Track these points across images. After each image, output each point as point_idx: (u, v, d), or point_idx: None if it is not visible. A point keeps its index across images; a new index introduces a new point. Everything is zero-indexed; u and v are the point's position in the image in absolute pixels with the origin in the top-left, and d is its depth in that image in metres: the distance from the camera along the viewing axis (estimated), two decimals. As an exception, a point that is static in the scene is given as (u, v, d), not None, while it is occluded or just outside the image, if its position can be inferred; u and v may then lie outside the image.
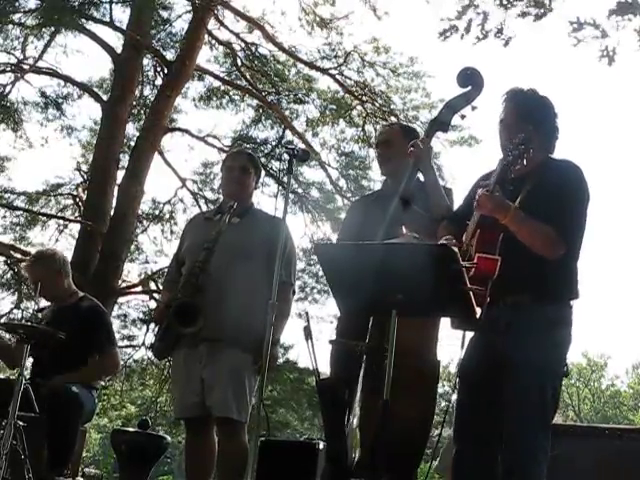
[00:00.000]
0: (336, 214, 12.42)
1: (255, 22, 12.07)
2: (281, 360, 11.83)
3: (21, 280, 11.52)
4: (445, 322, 3.00)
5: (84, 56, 12.80)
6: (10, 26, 11.53)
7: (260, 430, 3.30)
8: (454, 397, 2.90)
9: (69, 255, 10.10)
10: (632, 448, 3.67)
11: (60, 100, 12.66)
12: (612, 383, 35.40)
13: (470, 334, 2.84)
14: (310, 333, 3.22)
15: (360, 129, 12.52)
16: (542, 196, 2.72)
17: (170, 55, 11.96)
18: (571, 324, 2.80)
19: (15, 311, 12.24)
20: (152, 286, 11.91)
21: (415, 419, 3.04)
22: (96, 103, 11.94)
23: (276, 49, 12.31)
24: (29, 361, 4.24)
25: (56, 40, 12.08)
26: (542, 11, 6.04)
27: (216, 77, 12.66)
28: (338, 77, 12.29)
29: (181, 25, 12.27)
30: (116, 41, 11.87)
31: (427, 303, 2.52)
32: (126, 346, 12.78)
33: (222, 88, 12.93)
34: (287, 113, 12.62)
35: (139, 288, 11.93)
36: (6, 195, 12.61)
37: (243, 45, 12.40)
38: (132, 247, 12.27)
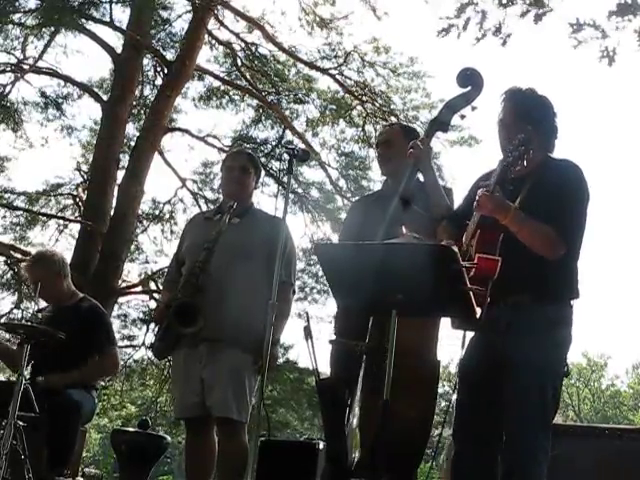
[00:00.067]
0: (336, 214, 12.43)
1: (255, 22, 12.07)
2: (281, 360, 11.83)
3: (21, 280, 11.52)
4: (445, 322, 3.00)
5: (84, 56, 12.83)
6: (10, 26, 11.54)
7: (260, 430, 3.30)
8: (454, 397, 2.89)
9: (69, 255, 10.12)
10: (632, 448, 3.67)
11: (60, 100, 12.67)
12: (612, 383, 35.45)
13: (470, 334, 2.84)
14: (310, 333, 3.22)
15: (360, 129, 12.52)
16: (542, 196, 2.72)
17: (170, 55, 11.98)
18: (571, 324, 2.80)
19: (15, 311, 12.25)
20: (152, 286, 11.91)
21: (415, 419, 3.04)
22: (96, 103, 11.96)
23: (276, 49, 12.32)
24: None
25: (56, 40, 12.10)
26: (542, 11, 6.04)
27: (216, 77, 12.66)
28: (338, 77, 12.30)
29: (181, 25, 12.30)
30: (116, 41, 11.91)
31: (427, 303, 2.52)
32: (126, 346, 12.80)
33: (222, 88, 12.94)
34: (287, 113, 12.63)
35: (139, 288, 11.93)
36: (6, 195, 12.63)
37: (243, 45, 12.41)
38: (132, 247, 12.28)
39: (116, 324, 12.56)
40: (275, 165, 12.19)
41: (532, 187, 2.77)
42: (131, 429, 6.83)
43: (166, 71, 11.60)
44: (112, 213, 10.76)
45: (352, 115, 12.55)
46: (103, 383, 11.09)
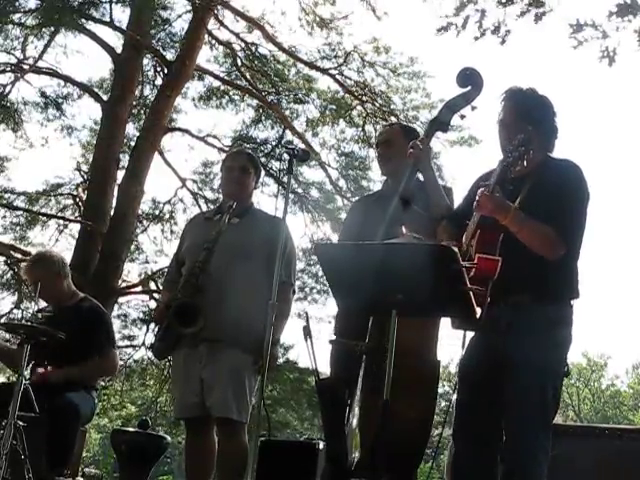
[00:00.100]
0: (336, 214, 12.43)
1: (255, 22, 12.07)
2: (281, 360, 11.83)
3: (21, 280, 11.52)
4: (445, 322, 3.00)
5: (84, 56, 12.84)
6: (10, 26, 11.54)
7: (260, 430, 3.30)
8: (454, 397, 2.89)
9: (69, 255, 10.13)
10: (632, 448, 3.67)
11: (60, 100, 12.67)
12: (612, 383, 35.45)
13: (470, 334, 2.84)
14: (309, 333, 3.22)
15: (360, 129, 12.52)
16: (542, 196, 2.72)
17: (170, 55, 11.99)
18: (572, 324, 2.80)
19: (15, 311, 12.25)
20: (152, 286, 11.91)
21: (415, 419, 3.04)
22: (96, 103, 11.96)
23: (276, 49, 12.32)
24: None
25: (56, 40, 12.10)
26: (542, 11, 6.04)
27: (216, 77, 12.67)
28: (338, 77, 12.30)
29: (181, 25, 12.30)
30: (116, 41, 11.91)
31: (427, 303, 2.52)
32: (126, 346, 12.80)
33: (222, 88, 12.94)
34: (287, 113, 12.63)
35: (139, 288, 11.93)
36: (6, 195, 12.62)
37: (243, 45, 12.41)
38: (132, 247, 12.28)
39: (116, 324, 12.57)
40: (275, 165, 12.20)
41: (532, 187, 2.77)
42: (131, 429, 6.82)
43: (166, 71, 11.60)
44: (112, 213, 10.76)
45: (352, 115, 12.55)
46: (103, 383, 11.10)
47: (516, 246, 2.66)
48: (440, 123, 3.27)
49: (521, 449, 2.65)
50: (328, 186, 12.83)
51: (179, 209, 13.11)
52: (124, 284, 11.33)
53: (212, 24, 11.91)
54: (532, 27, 6.11)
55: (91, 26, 11.62)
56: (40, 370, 4.07)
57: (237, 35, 12.32)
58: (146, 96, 12.48)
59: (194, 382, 3.64)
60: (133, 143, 11.77)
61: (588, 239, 2.79)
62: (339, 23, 12.23)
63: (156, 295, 11.20)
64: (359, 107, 12.42)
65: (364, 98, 12.23)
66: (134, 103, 12.00)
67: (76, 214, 12.62)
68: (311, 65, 12.44)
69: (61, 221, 12.94)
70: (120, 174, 11.14)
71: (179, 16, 12.25)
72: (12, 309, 12.34)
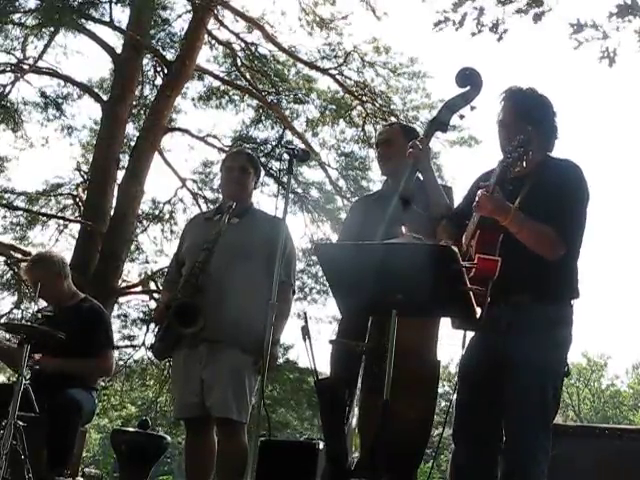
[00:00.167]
0: (336, 214, 12.42)
1: (255, 22, 12.07)
2: (281, 360, 11.83)
3: (21, 280, 11.52)
4: (445, 322, 3.00)
5: (84, 56, 12.84)
6: (10, 26, 11.54)
7: (260, 430, 3.30)
8: (454, 397, 2.89)
9: (69, 255, 10.12)
10: (632, 448, 3.67)
11: (60, 100, 12.68)
12: (612, 383, 35.45)
13: (470, 334, 2.84)
14: (308, 333, 3.22)
15: (360, 129, 12.52)
16: (542, 196, 2.72)
17: (170, 55, 11.99)
18: (572, 324, 2.80)
19: (15, 311, 12.26)
20: (152, 286, 11.91)
21: (415, 419, 3.04)
22: (96, 103, 11.96)
23: (276, 49, 12.31)
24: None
25: (56, 40, 12.11)
26: (541, 10, 6.05)
27: (216, 77, 12.67)
28: (338, 77, 12.29)
29: (181, 25, 12.30)
30: (116, 41, 11.91)
31: (427, 303, 2.52)
32: (126, 346, 12.80)
33: (222, 88, 12.94)
34: (287, 113, 12.63)
35: (139, 288, 11.93)
36: (6, 195, 12.63)
37: (243, 45, 12.41)
38: (132, 247, 12.28)
39: (116, 324, 12.57)
40: (275, 165, 12.20)
41: (532, 187, 2.77)
42: (131, 429, 6.82)
43: (166, 71, 11.60)
44: (112, 213, 10.76)
45: (352, 115, 12.55)
46: (103, 383, 11.09)
47: (516, 246, 2.66)
48: (439, 123, 3.27)
49: (521, 449, 2.65)
50: (328, 186, 12.84)
51: (179, 209, 13.14)
52: (124, 284, 11.33)
53: (212, 24, 11.93)
54: (532, 26, 6.12)
55: (91, 26, 11.64)
56: (36, 355, 4.06)
57: (237, 35, 12.33)
58: (146, 96, 12.50)
59: (194, 382, 3.63)
60: (133, 143, 11.77)
61: (588, 239, 2.80)
62: (339, 23, 12.25)
63: (156, 295, 11.20)
64: (359, 107, 12.42)
65: (364, 98, 12.23)
66: (134, 103, 12.00)
67: (76, 214, 12.62)
68: (311, 65, 12.44)
69: (61, 221, 12.94)
70: (120, 174, 11.17)
71: (179, 16, 12.27)
72: (12, 309, 12.36)
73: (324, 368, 3.67)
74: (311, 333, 3.28)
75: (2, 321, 10.70)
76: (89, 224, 10.52)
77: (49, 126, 12.91)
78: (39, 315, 4.22)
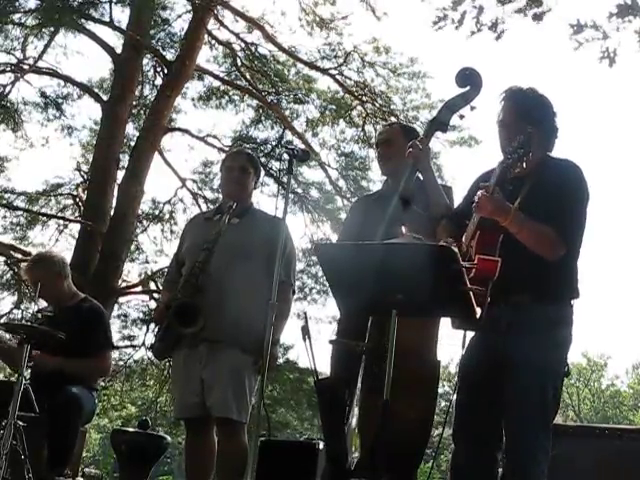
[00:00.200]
0: (336, 214, 12.42)
1: (255, 22, 12.06)
2: (281, 360, 11.83)
3: (21, 280, 11.52)
4: (445, 322, 3.00)
5: (84, 56, 12.85)
6: (10, 26, 11.54)
7: (260, 430, 3.30)
8: (454, 397, 2.89)
9: (69, 255, 10.12)
10: (632, 448, 3.67)
11: (60, 100, 12.68)
12: (612, 383, 35.44)
13: (470, 334, 2.84)
14: (308, 332, 3.22)
15: (360, 129, 12.52)
16: (542, 195, 2.72)
17: (170, 55, 11.98)
18: (572, 324, 2.80)
19: (15, 311, 12.25)
20: (152, 286, 11.91)
21: (415, 419, 3.04)
22: (96, 103, 11.96)
23: (276, 49, 12.31)
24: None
25: (56, 40, 12.12)
26: (540, 10, 6.05)
27: (216, 77, 12.66)
28: (338, 77, 12.29)
29: (181, 25, 12.30)
30: (116, 41, 11.92)
31: (427, 303, 2.52)
32: (126, 346, 12.80)
33: (222, 88, 12.94)
34: (287, 113, 12.63)
35: (139, 288, 11.93)
36: (6, 195, 12.63)
37: (243, 45, 12.41)
38: (132, 247, 12.28)
39: (116, 324, 12.58)
40: (275, 165, 12.20)
41: (532, 187, 2.77)
42: (131, 429, 6.82)
43: (166, 71, 11.60)
44: (112, 213, 10.76)
45: (352, 115, 12.54)
46: (103, 384, 11.10)
47: (516, 247, 2.66)
48: (439, 123, 3.27)
49: (521, 449, 2.65)
50: (328, 186, 12.84)
51: (179, 209, 13.14)
52: (124, 284, 11.33)
53: (212, 24, 11.93)
54: (532, 27, 6.12)
55: (91, 26, 11.64)
56: (34, 352, 4.06)
57: (237, 35, 12.33)
58: (146, 96, 12.50)
59: (194, 382, 3.63)
60: (133, 143, 11.77)
61: (588, 239, 2.80)
62: (339, 23, 12.25)
63: (156, 295, 11.20)
64: (359, 107, 12.42)
65: (364, 98, 12.23)
66: (134, 103, 12.00)
67: (76, 214, 12.62)
68: (311, 65, 12.43)
69: (61, 221, 12.94)
70: (120, 174, 11.16)
71: (179, 16, 12.27)
72: (12, 309, 12.36)
73: (324, 368, 3.67)
74: (311, 333, 3.28)
75: (2, 321, 10.70)
76: (89, 224, 10.52)
77: (49, 126, 12.94)
78: (39, 315, 4.22)
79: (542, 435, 2.66)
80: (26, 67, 11.99)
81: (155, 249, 13.31)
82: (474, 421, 2.77)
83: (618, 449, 3.68)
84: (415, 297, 2.45)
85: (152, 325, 10.49)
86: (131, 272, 12.71)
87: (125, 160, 11.51)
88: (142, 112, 12.38)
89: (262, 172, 4.89)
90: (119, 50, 11.52)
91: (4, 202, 12.47)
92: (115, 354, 12.31)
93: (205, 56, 13.31)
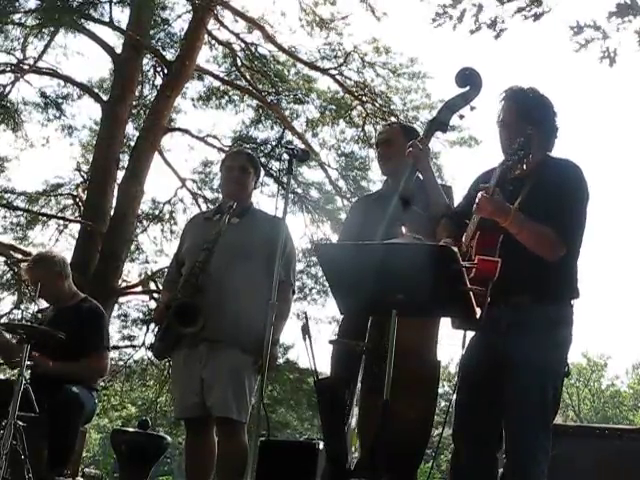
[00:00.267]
0: (336, 214, 12.42)
1: (255, 22, 12.06)
2: (281, 360, 11.84)
3: (21, 280, 11.52)
4: (445, 322, 3.00)
5: (84, 56, 12.84)
6: (10, 26, 11.54)
7: (260, 430, 3.30)
8: (454, 397, 2.89)
9: (69, 255, 10.12)
10: (632, 448, 3.67)
11: (60, 100, 12.68)
12: (612, 383, 35.44)
13: (470, 334, 2.84)
14: (308, 332, 3.22)
15: (360, 129, 12.51)
16: (542, 196, 2.72)
17: (170, 55, 11.98)
18: (572, 324, 2.80)
19: (15, 311, 12.25)
20: (152, 286, 11.91)
21: (415, 419, 3.04)
22: (96, 103, 11.96)
23: (276, 49, 12.31)
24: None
25: (56, 40, 12.13)
26: (540, 10, 6.05)
27: (216, 77, 12.66)
28: (338, 77, 12.29)
29: (181, 25, 12.30)
30: (116, 41, 11.92)
31: (427, 303, 2.52)
32: (126, 346, 12.80)
33: (222, 88, 12.94)
34: (287, 113, 12.63)
35: (139, 288, 11.92)
36: (6, 195, 12.63)
37: (243, 45, 12.40)
38: (132, 247, 12.28)
39: (116, 324, 12.59)
40: (275, 165, 12.21)
41: (532, 187, 2.77)
42: (131, 429, 6.82)
43: (166, 71, 11.60)
44: (112, 213, 10.76)
45: (352, 115, 12.54)
46: (103, 384, 11.09)
47: (516, 247, 2.66)
48: (439, 123, 3.27)
49: (521, 449, 2.65)
50: (328, 186, 12.84)
51: (179, 209, 13.15)
52: (124, 284, 11.33)
53: (212, 24, 11.92)
54: (532, 27, 6.14)
55: (91, 26, 11.64)
56: (35, 353, 4.07)
57: (237, 35, 12.32)
58: (146, 96, 12.49)
59: (194, 382, 3.63)
60: (133, 143, 11.77)
61: (588, 239, 2.80)
62: (339, 23, 12.24)
63: (156, 295, 11.20)
64: (359, 107, 12.41)
65: (364, 98, 12.23)
66: (134, 103, 12.00)
67: (76, 214, 12.62)
68: (311, 65, 12.43)
69: (61, 221, 12.95)
70: (120, 174, 11.16)
71: (179, 16, 12.26)
72: (12, 309, 12.36)
73: (324, 368, 3.67)
74: (311, 333, 3.28)
75: (2, 321, 10.70)
76: (89, 224, 10.52)
77: (49, 126, 12.95)
78: (39, 315, 4.22)
79: (542, 435, 2.66)
80: (26, 67, 11.99)
81: (155, 249, 13.33)
82: (474, 421, 2.77)
83: (618, 449, 3.69)
84: (415, 297, 2.45)
85: (152, 325, 10.49)
86: (131, 272, 12.74)
87: (125, 160, 11.51)
88: (142, 112, 12.38)
89: (262, 172, 4.89)
90: (119, 50, 11.52)
91: (4, 202, 12.48)
92: (115, 354, 12.35)
93: (205, 56, 13.34)
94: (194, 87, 12.94)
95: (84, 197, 12.05)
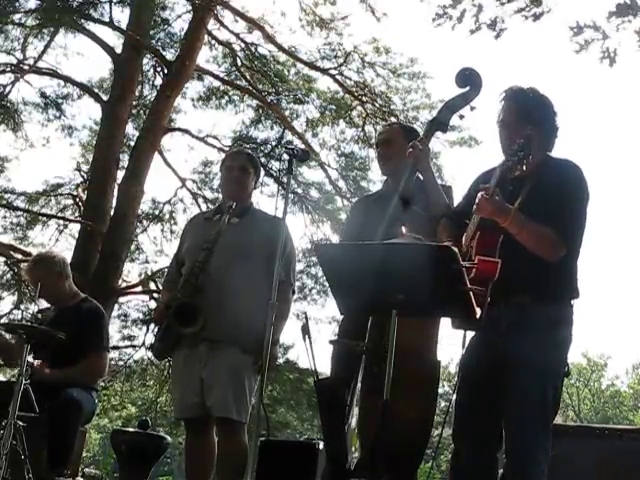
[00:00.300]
0: (336, 215, 12.42)
1: (255, 22, 12.06)
2: (281, 360, 11.83)
3: (21, 280, 11.52)
4: (445, 322, 3.00)
5: (84, 56, 12.85)
6: (10, 26, 11.54)
7: (260, 430, 3.30)
8: (454, 397, 2.89)
9: (69, 255, 10.12)
10: (632, 448, 3.67)
11: (60, 100, 12.68)
12: (612, 383, 35.43)
13: (470, 334, 2.84)
14: (308, 332, 3.22)
15: (360, 129, 12.51)
16: (542, 196, 2.72)
17: (170, 55, 11.97)
18: (572, 324, 2.80)
19: (15, 311, 12.25)
20: (152, 286, 11.91)
21: (415, 419, 3.04)
22: (96, 103, 11.96)
23: (276, 49, 12.30)
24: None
25: (56, 40, 12.13)
26: (540, 10, 6.06)
27: (216, 77, 12.66)
28: (338, 77, 12.29)
29: (181, 25, 12.30)
30: (116, 41, 11.91)
31: (427, 303, 2.52)
32: (126, 346, 12.80)
33: (222, 88, 12.93)
34: (287, 113, 12.62)
35: (139, 288, 11.92)
36: (6, 195, 12.63)
37: (243, 45, 12.40)
38: (132, 247, 12.28)
39: (116, 324, 12.59)
40: (275, 165, 12.20)
41: (532, 187, 2.77)
42: (131, 429, 6.82)
43: (166, 71, 11.59)
44: (112, 213, 10.75)
45: (352, 115, 12.54)
46: (103, 384, 11.09)
47: (516, 247, 2.66)
48: (439, 123, 3.27)
49: (521, 449, 2.65)
50: (328, 186, 12.83)
51: (179, 209, 13.14)
52: (124, 284, 11.33)
53: (212, 24, 11.92)
54: (532, 27, 6.14)
55: (91, 26, 11.63)
56: (35, 362, 4.07)
57: (237, 35, 12.32)
58: (146, 96, 12.49)
59: (194, 382, 3.63)
60: (133, 143, 11.76)
61: (588, 239, 2.80)
62: (339, 23, 12.24)
63: (156, 295, 11.19)
64: (359, 107, 12.41)
65: (364, 98, 12.22)
66: (134, 103, 11.99)
67: (76, 214, 12.62)
68: (311, 65, 12.43)
69: (61, 221, 12.95)
70: (120, 174, 11.16)
71: (179, 16, 12.26)
72: (12, 309, 12.36)
73: (324, 368, 3.67)
74: (311, 333, 3.28)
75: (2, 321, 10.70)
76: (89, 224, 10.52)
77: (49, 126, 12.94)
78: (39, 315, 4.22)
79: (542, 435, 2.66)
80: (26, 67, 11.99)
81: (155, 249, 13.33)
82: (474, 421, 2.78)
83: (618, 449, 3.69)
84: (415, 297, 2.45)
85: (152, 325, 10.49)
86: (131, 272, 12.73)
87: (125, 160, 11.51)
88: (142, 112, 12.38)
89: (262, 172, 4.89)
90: (119, 50, 11.52)
91: (4, 202, 12.48)
92: (115, 354, 12.35)
93: (205, 56, 13.33)
94: (194, 87, 12.96)
95: (84, 197, 12.04)
